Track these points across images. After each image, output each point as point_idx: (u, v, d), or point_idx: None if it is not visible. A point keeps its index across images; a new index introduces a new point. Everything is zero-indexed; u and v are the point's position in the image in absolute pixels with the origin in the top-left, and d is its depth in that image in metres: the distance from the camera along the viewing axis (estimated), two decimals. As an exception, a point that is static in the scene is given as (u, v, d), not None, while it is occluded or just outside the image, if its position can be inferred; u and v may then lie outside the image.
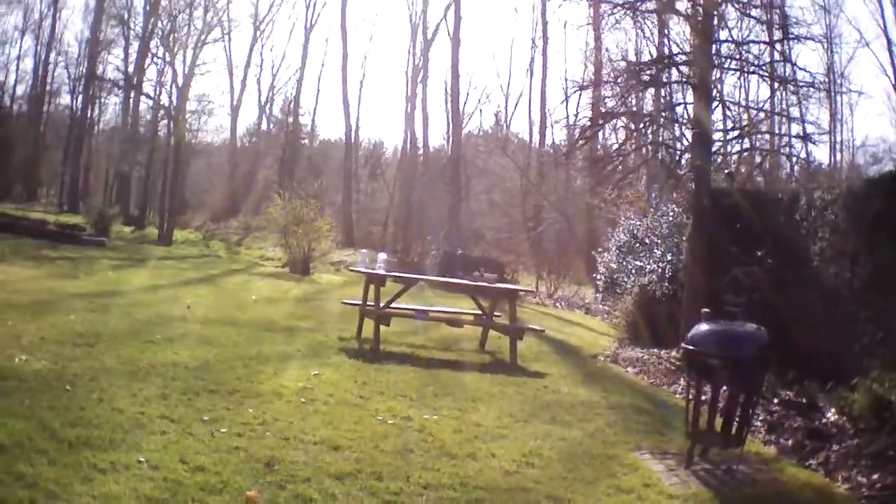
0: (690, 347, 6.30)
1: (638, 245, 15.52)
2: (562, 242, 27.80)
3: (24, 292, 11.43)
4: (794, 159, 20.01)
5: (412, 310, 11.35)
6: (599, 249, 18.57)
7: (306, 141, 51.17)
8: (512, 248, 30.07)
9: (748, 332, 6.26)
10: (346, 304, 12.17)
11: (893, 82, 35.29)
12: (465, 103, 41.46)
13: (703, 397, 6.71)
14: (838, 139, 37.69)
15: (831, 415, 7.79)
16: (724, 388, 6.45)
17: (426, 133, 41.94)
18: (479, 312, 11.64)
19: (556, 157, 36.59)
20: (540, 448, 6.23)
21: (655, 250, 14.61)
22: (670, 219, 14.65)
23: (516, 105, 58.20)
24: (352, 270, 15.51)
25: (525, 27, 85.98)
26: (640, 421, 7.76)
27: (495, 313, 11.77)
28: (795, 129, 18.77)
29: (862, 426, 7.11)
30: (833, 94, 30.48)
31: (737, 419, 6.30)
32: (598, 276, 18.68)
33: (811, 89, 13.82)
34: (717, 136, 12.56)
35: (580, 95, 19.03)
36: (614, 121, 15.26)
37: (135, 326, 9.72)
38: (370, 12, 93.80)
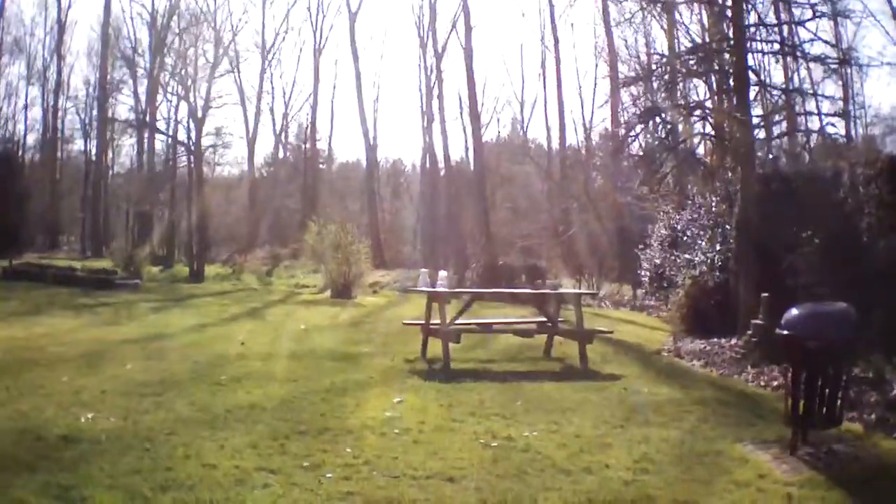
0: (786, 332, 6.22)
1: (685, 238, 15.40)
2: (594, 243, 27.63)
3: (72, 343, 11.29)
4: (817, 137, 19.89)
5: (477, 324, 11.25)
6: (641, 246, 18.41)
7: (325, 165, 51.16)
8: (542, 253, 29.96)
9: (843, 312, 6.21)
10: (408, 324, 12.00)
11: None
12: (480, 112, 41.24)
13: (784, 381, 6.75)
14: (853, 113, 37.23)
15: (898, 386, 7.81)
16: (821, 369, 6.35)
17: (446, 146, 41.77)
18: (544, 320, 11.50)
19: (579, 157, 36.51)
20: (647, 453, 6.13)
21: (700, 241, 14.53)
22: (712, 209, 14.56)
23: (532, 109, 57.71)
24: (412, 290, 15.39)
25: (533, 30, 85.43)
26: (728, 413, 7.75)
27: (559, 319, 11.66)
28: (825, 107, 18.73)
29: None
30: (858, 67, 30.21)
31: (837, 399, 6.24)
32: (643, 273, 18.52)
33: (842, 65, 13.78)
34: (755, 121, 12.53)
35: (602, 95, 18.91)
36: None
37: (196, 369, 9.50)
38: (378, 30, 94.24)
